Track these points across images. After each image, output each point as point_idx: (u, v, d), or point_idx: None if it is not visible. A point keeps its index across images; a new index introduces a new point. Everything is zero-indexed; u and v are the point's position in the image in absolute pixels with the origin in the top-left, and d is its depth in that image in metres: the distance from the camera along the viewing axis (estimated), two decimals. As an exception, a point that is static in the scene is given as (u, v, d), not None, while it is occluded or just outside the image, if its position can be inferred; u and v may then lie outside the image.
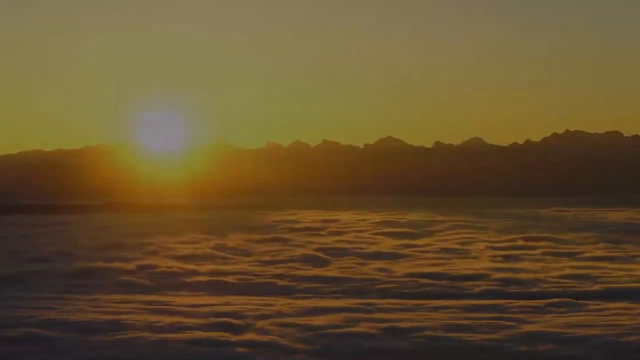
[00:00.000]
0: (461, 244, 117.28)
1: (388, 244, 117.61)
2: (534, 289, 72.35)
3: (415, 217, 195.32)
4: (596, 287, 72.92)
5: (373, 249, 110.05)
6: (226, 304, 64.58)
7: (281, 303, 64.88)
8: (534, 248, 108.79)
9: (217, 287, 75.00)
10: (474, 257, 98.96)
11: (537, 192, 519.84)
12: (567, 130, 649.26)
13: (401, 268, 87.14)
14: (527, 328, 53.67)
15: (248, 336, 51.94)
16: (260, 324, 55.81)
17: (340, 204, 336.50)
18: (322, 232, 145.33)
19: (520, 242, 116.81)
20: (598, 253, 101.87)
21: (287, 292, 72.66)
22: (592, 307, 62.40)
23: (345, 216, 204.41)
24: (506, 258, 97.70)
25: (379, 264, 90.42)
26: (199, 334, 52.57)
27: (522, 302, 64.01)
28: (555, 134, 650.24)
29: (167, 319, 56.89)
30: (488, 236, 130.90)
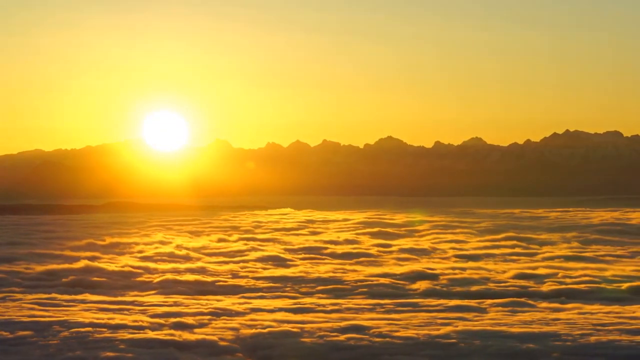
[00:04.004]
0: (432, 244, 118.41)
1: (360, 245, 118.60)
2: (479, 288, 73.25)
3: (403, 217, 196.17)
4: (543, 288, 73.74)
5: (341, 249, 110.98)
6: (175, 304, 65.40)
7: (227, 303, 65.86)
8: (499, 247, 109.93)
9: (170, 287, 75.85)
10: (437, 258, 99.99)
11: (537, 192, 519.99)
12: (567, 130, 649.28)
13: (358, 268, 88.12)
14: (456, 327, 54.29)
15: (191, 336, 52.64)
16: (204, 324, 56.67)
17: (338, 203, 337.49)
18: (301, 232, 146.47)
19: (489, 243, 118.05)
20: (560, 253, 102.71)
21: (237, 292, 73.64)
22: (533, 307, 63.20)
23: (334, 216, 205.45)
24: (468, 258, 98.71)
25: (337, 264, 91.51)
26: (142, 334, 53.10)
27: (462, 302, 64.97)
28: (555, 134, 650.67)
29: (115, 319, 57.54)
30: (462, 237, 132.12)
